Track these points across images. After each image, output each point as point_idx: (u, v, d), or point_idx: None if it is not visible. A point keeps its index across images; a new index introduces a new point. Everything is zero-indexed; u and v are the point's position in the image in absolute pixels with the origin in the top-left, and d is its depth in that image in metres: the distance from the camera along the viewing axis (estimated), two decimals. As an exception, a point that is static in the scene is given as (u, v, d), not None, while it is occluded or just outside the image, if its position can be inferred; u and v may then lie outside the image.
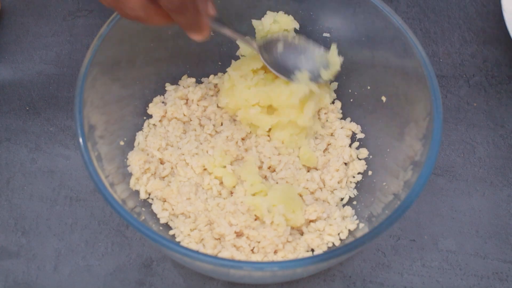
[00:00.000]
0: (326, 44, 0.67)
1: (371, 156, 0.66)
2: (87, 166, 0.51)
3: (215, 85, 0.70)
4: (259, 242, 0.59)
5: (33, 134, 0.69)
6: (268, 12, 0.67)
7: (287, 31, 0.67)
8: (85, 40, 0.76)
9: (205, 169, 0.64)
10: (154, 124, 0.66)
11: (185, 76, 0.70)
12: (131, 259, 0.62)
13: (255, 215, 0.61)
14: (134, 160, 0.62)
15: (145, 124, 0.66)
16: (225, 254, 0.58)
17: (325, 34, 0.67)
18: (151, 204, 0.61)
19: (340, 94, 0.69)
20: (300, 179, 0.64)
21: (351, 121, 0.68)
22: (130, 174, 0.62)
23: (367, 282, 0.62)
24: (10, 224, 0.64)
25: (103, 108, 0.58)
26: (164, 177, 0.63)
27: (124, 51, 0.61)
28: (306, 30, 0.67)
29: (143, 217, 0.59)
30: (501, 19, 0.78)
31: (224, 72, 0.70)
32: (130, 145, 0.63)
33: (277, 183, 0.64)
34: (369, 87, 0.66)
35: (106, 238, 0.63)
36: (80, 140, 0.52)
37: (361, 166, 0.65)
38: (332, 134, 0.68)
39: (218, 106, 0.68)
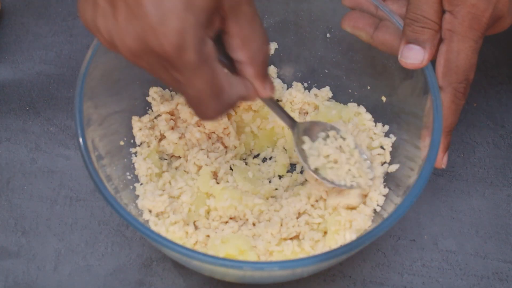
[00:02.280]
0: (327, 44, 0.67)
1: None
2: (87, 166, 0.51)
3: None
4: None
5: (33, 134, 0.69)
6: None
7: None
8: (85, 40, 0.76)
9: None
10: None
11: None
12: (131, 259, 0.62)
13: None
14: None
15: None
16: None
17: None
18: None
19: (340, 94, 0.69)
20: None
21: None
22: (130, 174, 0.62)
23: (367, 282, 0.62)
24: (10, 224, 0.64)
25: (104, 108, 0.58)
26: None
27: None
28: (306, 30, 0.67)
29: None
30: (501, 19, 0.78)
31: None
32: (130, 145, 0.63)
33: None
34: (369, 87, 0.66)
35: (106, 238, 0.63)
36: (80, 140, 0.52)
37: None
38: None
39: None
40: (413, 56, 0.54)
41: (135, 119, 0.63)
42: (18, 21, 0.77)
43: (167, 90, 0.67)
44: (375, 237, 0.49)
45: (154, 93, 0.65)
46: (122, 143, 0.62)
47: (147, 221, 0.59)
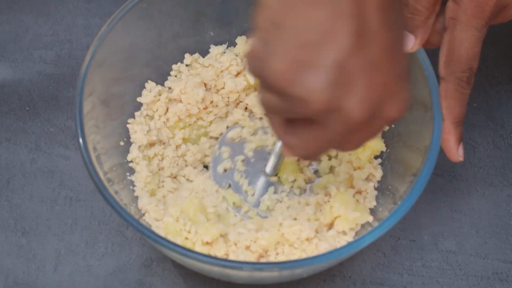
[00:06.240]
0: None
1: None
2: (87, 166, 0.51)
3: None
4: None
5: (33, 134, 0.69)
6: None
7: None
8: (85, 40, 0.76)
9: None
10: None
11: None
12: (131, 259, 0.62)
13: None
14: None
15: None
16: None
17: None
18: (151, 204, 0.61)
19: (340, 94, 0.69)
20: None
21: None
22: (130, 174, 0.62)
23: (367, 282, 0.62)
24: (10, 224, 0.64)
25: (103, 108, 0.58)
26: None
27: (124, 51, 0.61)
28: (306, 30, 0.67)
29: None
30: (501, 19, 0.78)
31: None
32: (130, 145, 0.63)
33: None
34: (369, 87, 0.66)
35: (106, 238, 0.63)
36: (80, 140, 0.52)
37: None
38: None
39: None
40: None
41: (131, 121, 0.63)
42: (17, 19, 0.77)
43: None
44: (375, 237, 0.49)
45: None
46: (122, 143, 0.62)
47: (147, 221, 0.59)
